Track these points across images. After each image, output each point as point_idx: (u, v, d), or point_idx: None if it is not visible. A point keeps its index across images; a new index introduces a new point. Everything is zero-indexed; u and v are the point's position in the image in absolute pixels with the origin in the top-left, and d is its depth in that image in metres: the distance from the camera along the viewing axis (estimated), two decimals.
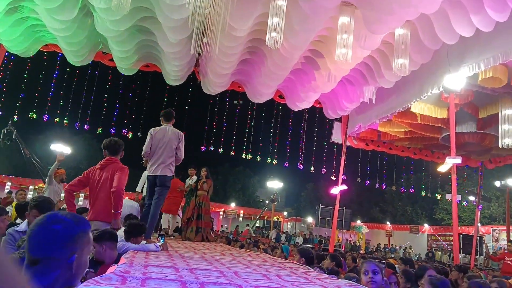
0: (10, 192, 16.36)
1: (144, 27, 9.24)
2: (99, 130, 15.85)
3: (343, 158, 13.95)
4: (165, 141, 5.80)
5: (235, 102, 14.17)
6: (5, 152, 27.53)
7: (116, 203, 4.29)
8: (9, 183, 25.35)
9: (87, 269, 3.10)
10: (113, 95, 15.87)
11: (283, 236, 24.02)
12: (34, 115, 14.77)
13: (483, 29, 7.05)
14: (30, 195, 24.14)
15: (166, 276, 2.55)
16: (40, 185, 23.85)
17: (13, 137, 12.65)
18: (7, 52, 10.61)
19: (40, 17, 8.79)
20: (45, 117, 14.58)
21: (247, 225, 23.16)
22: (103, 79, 14.03)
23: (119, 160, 4.73)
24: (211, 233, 9.95)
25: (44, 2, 7.77)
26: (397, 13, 6.78)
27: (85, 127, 15.31)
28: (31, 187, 25.96)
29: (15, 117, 14.20)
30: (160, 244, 4.84)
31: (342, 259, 6.45)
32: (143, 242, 4.90)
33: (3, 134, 12.47)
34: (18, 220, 4.52)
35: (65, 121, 15.08)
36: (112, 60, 11.07)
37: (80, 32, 9.34)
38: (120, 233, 4.28)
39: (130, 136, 15.59)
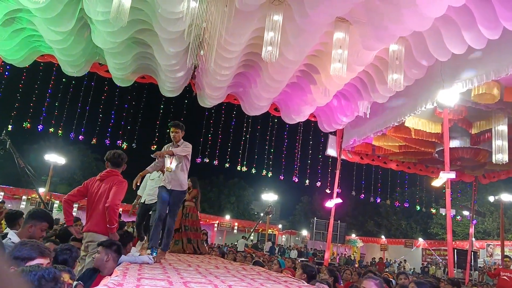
0: (2, 202, 16.21)
1: (140, 40, 9.30)
2: (94, 141, 15.82)
3: (337, 172, 13.98)
4: None
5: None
6: None
7: (110, 218, 4.28)
8: (1, 193, 25.14)
9: (75, 282, 3.10)
10: (109, 106, 15.85)
11: (277, 249, 23.87)
12: (29, 125, 14.72)
13: (475, 47, 7.16)
14: (23, 205, 23.98)
15: None
16: (34, 195, 23.66)
17: (7, 147, 12.57)
18: (3, 61, 10.63)
19: (37, 28, 8.83)
20: (40, 127, 14.53)
21: (243, 237, 22.98)
22: (98, 90, 14.03)
23: (120, 173, 4.73)
24: (205, 245, 9.83)
25: (41, 12, 7.81)
26: (390, 29, 6.89)
27: (80, 137, 15.27)
28: (24, 197, 25.76)
29: (10, 126, 14.15)
30: (153, 256, 4.82)
31: (338, 273, 6.44)
32: (136, 254, 4.88)
33: None
34: (7, 230, 4.46)
35: (60, 131, 15.04)
36: (108, 71, 11.10)
37: (77, 44, 9.38)
38: None
39: (125, 147, 15.55)
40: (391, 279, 6.55)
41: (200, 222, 8.34)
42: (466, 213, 23.84)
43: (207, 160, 16.87)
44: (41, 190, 19.36)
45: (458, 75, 8.54)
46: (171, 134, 5.62)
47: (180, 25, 7.51)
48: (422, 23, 6.64)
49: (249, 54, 9.46)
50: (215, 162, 17.44)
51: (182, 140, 5.67)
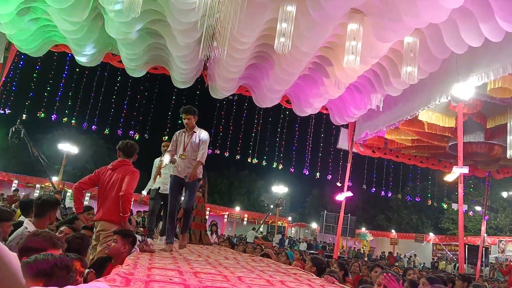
0: (16, 190, 16.52)
1: (153, 30, 9.31)
2: (107, 131, 15.98)
3: (349, 165, 13.91)
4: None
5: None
6: (13, 150, 27.81)
7: (124, 206, 4.34)
8: (16, 181, 25.55)
9: (87, 270, 3.13)
10: (121, 97, 16.01)
11: (286, 241, 23.93)
12: (43, 115, 14.90)
13: (492, 39, 7.01)
14: (36, 194, 24.36)
15: (170, 279, 2.55)
16: (47, 183, 24.01)
17: (21, 136, 12.77)
18: (18, 51, 10.74)
19: (52, 18, 8.88)
20: (53, 117, 14.73)
21: (253, 228, 23.03)
22: (111, 81, 14.16)
23: (132, 163, 4.76)
24: (212, 236, 9.84)
25: (55, 2, 7.85)
26: (406, 21, 6.78)
27: (93, 127, 15.47)
28: (37, 185, 26.14)
29: (24, 116, 14.33)
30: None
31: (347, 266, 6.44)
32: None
33: (12, 133, 12.60)
34: (21, 218, 4.52)
35: (73, 121, 15.21)
36: (121, 61, 11.15)
37: (90, 34, 9.42)
38: None
39: (137, 138, 15.68)
40: (400, 273, 6.52)
41: (210, 213, 8.32)
42: (478, 208, 23.59)
43: (218, 152, 16.95)
44: (54, 179, 19.63)
45: (474, 68, 8.38)
46: (184, 121, 5.40)
47: (193, 15, 7.49)
48: (439, 15, 6.52)
49: (262, 46, 9.40)
50: (226, 154, 17.51)
51: (196, 126, 5.44)
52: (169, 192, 5.49)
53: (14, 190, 17.21)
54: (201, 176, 5.37)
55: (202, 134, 5.40)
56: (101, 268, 3.52)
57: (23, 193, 15.83)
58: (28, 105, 15.08)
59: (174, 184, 5.33)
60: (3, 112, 14.24)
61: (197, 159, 5.18)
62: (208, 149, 5.44)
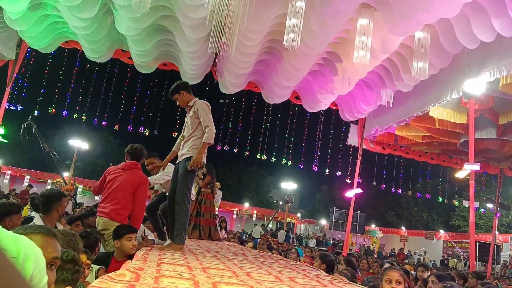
0: (30, 186, 16.68)
1: (163, 26, 9.33)
2: (117, 127, 16.06)
3: (358, 161, 13.84)
4: None
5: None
6: (25, 146, 28.11)
7: (133, 223, 4.34)
8: (28, 177, 25.84)
9: (98, 266, 3.15)
10: (131, 93, 16.10)
11: (292, 237, 23.82)
12: (54, 111, 15.03)
13: (504, 34, 6.91)
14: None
15: (179, 275, 2.56)
16: (58, 179, 24.26)
17: (33, 132, 12.87)
18: (29, 48, 10.84)
19: (62, 15, 8.95)
20: (64, 113, 14.85)
21: (256, 225, 22.98)
22: (121, 77, 14.23)
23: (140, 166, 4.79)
24: (221, 231, 9.86)
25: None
26: (416, 16, 6.70)
27: (103, 123, 15.54)
28: (49, 181, 26.43)
29: (35, 112, 14.46)
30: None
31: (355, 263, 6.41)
32: None
33: (23, 129, 12.71)
34: (33, 213, 4.57)
35: (84, 117, 15.33)
36: (131, 58, 11.20)
37: (100, 30, 9.48)
38: None
39: (147, 134, 15.76)
40: (410, 271, 6.48)
41: (219, 209, 8.32)
42: (489, 205, 23.34)
43: (227, 148, 16.95)
44: (65, 174, 19.82)
45: (486, 63, 8.26)
46: (177, 103, 4.75)
47: (202, 11, 7.48)
48: (451, 9, 6.43)
49: (271, 41, 9.37)
50: (235, 150, 17.51)
51: (194, 99, 4.61)
52: (170, 184, 4.63)
53: (28, 185, 17.33)
54: (191, 154, 4.28)
55: (197, 104, 4.46)
56: (105, 263, 3.53)
57: (34, 189, 15.98)
58: (40, 101, 15.23)
59: (174, 173, 4.51)
60: (15, 108, 14.39)
61: (203, 140, 4.22)
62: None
